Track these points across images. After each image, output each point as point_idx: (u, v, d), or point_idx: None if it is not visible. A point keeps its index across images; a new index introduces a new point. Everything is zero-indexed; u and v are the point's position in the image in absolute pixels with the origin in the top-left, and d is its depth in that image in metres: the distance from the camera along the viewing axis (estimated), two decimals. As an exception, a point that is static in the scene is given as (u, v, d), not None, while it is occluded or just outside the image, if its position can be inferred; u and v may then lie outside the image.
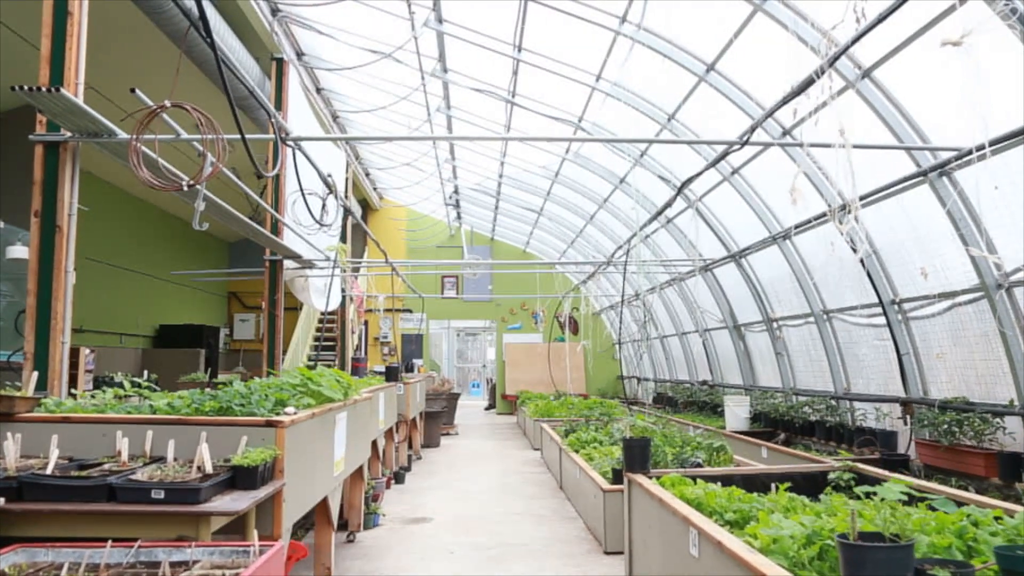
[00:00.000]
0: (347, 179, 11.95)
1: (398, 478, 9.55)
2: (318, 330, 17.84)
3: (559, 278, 19.37)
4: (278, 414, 3.83)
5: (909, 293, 7.32)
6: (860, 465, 5.32)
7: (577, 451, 8.31)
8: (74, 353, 10.69)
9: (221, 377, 17.05)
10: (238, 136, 4.68)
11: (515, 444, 13.90)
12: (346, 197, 12.06)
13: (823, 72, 4.10)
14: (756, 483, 5.24)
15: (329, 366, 15.24)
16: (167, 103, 3.89)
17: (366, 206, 20.37)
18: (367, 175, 18.38)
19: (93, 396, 4.68)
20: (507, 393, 20.88)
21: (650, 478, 5.03)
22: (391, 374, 9.82)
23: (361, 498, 6.72)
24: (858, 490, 3.68)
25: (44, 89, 4.53)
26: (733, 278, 11.22)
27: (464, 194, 18.48)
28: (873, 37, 4.95)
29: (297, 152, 5.65)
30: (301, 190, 5.86)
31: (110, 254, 13.69)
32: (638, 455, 5.16)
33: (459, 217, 21.02)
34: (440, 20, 9.20)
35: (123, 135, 5.11)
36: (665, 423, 9.50)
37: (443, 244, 21.84)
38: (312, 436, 4.24)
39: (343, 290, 12.17)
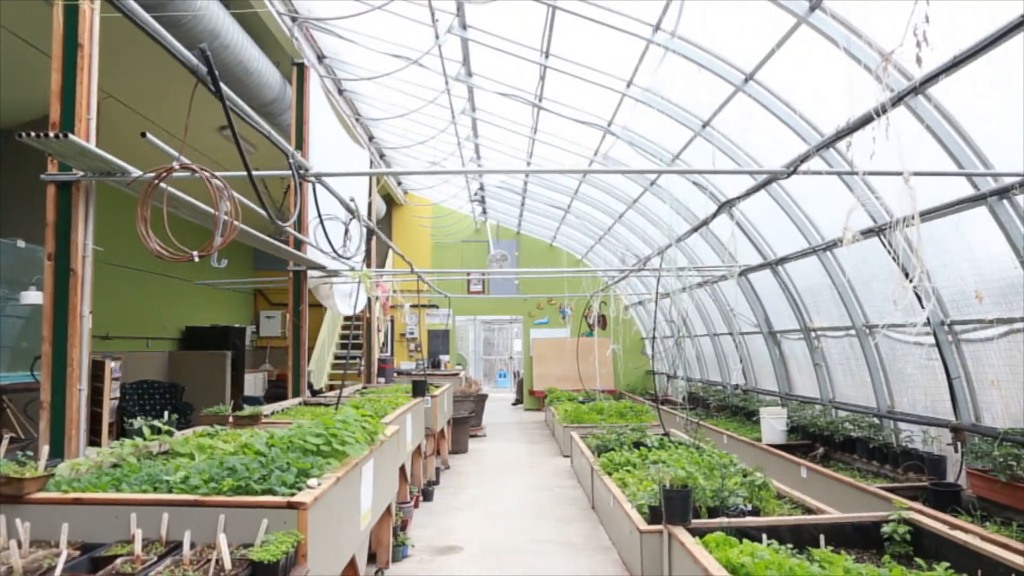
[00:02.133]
0: (370, 202, 11.72)
1: (426, 495, 9.37)
2: (344, 327, 17.76)
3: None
4: (300, 488, 3.62)
5: (960, 315, 6.93)
6: (915, 516, 5.01)
7: (610, 473, 8.06)
8: (100, 366, 10.70)
9: (247, 378, 17.10)
10: (244, 173, 4.46)
11: (544, 449, 13.69)
12: (369, 211, 11.85)
13: (885, 111, 3.75)
14: (804, 534, 4.98)
15: (354, 360, 15.21)
16: (175, 165, 3.66)
17: (391, 202, 20.15)
18: (391, 171, 18.15)
19: (112, 451, 4.53)
20: (535, 389, 20.66)
21: (691, 532, 4.77)
22: (418, 389, 9.63)
23: (389, 532, 6.53)
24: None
25: (52, 135, 4.33)
26: (769, 284, 10.83)
27: (490, 191, 18.19)
28: (929, 51, 4.58)
29: (317, 184, 5.42)
30: (321, 222, 5.62)
31: (134, 258, 13.61)
32: (678, 506, 4.90)
33: (484, 212, 20.74)
34: (464, 26, 8.88)
35: (137, 172, 4.91)
36: (700, 437, 9.25)
37: (468, 238, 21.60)
38: (337, 502, 4.03)
39: (368, 295, 11.99)
